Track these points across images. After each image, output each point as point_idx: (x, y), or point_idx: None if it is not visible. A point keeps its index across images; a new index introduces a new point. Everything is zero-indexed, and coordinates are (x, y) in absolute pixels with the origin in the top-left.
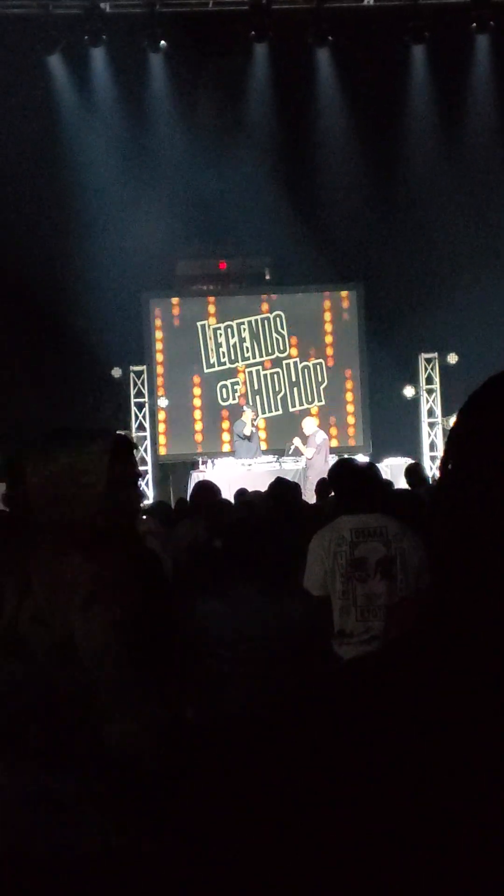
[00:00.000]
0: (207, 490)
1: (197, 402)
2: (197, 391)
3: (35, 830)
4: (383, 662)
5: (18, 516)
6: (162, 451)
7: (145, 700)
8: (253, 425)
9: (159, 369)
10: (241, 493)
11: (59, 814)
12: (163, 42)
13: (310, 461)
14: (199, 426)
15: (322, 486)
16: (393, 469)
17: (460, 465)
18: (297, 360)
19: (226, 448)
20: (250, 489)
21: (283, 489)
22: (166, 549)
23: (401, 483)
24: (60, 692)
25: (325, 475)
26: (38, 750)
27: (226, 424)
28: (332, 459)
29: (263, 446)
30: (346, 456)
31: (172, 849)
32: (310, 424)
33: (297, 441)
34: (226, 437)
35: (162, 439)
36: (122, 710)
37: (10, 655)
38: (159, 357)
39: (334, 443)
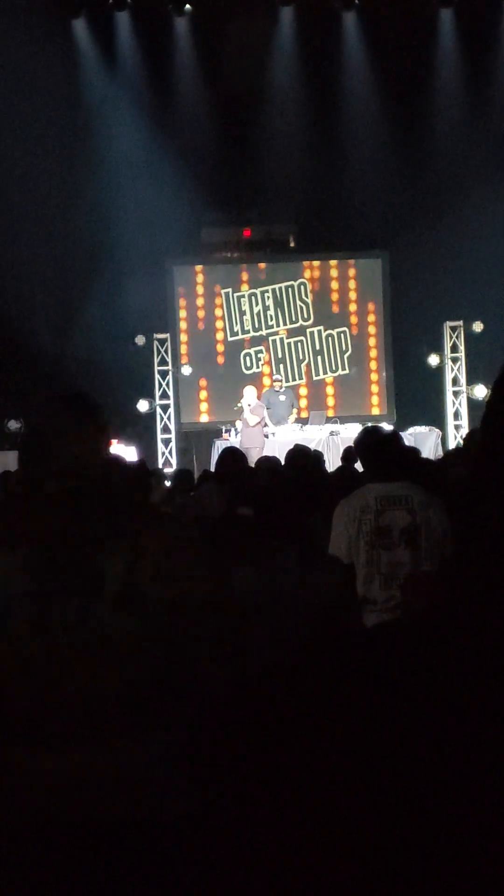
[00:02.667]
0: (234, 457)
1: (220, 370)
2: (220, 359)
3: (132, 797)
4: (405, 633)
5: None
6: (185, 419)
7: (234, 650)
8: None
9: (183, 337)
10: (266, 460)
11: (155, 779)
12: (187, 5)
13: (250, 429)
14: (222, 394)
15: (349, 454)
16: (417, 438)
17: (497, 438)
18: (322, 328)
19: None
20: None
21: (302, 457)
22: (185, 515)
23: (426, 452)
24: (177, 645)
25: (260, 447)
26: (143, 712)
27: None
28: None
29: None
30: (370, 425)
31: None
32: (251, 393)
33: (246, 408)
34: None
35: (185, 407)
36: (223, 658)
37: (131, 613)
38: (183, 325)
39: (358, 411)
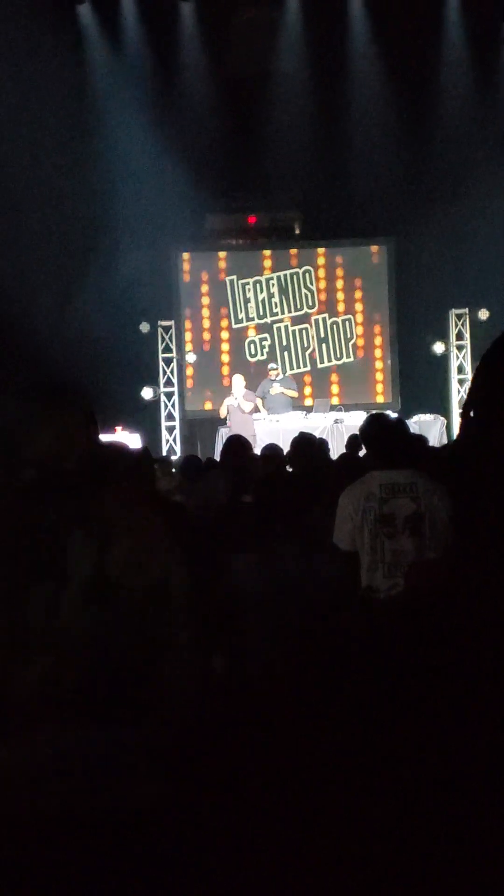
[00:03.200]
0: (238, 445)
1: (225, 357)
2: (225, 346)
3: (92, 787)
4: (406, 614)
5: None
6: (189, 406)
7: (203, 641)
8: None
9: (187, 324)
10: (270, 448)
11: (115, 769)
12: None
13: (244, 416)
14: (226, 382)
15: (353, 442)
16: (422, 425)
17: (482, 416)
18: (326, 315)
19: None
20: (278, 444)
21: (307, 445)
22: (192, 503)
23: (431, 440)
24: (145, 634)
25: (252, 436)
26: (106, 702)
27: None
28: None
29: (290, 396)
30: (375, 412)
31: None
32: (240, 382)
33: (239, 396)
34: (258, 392)
35: (189, 395)
36: (191, 648)
37: (100, 601)
38: (187, 312)
39: (363, 399)
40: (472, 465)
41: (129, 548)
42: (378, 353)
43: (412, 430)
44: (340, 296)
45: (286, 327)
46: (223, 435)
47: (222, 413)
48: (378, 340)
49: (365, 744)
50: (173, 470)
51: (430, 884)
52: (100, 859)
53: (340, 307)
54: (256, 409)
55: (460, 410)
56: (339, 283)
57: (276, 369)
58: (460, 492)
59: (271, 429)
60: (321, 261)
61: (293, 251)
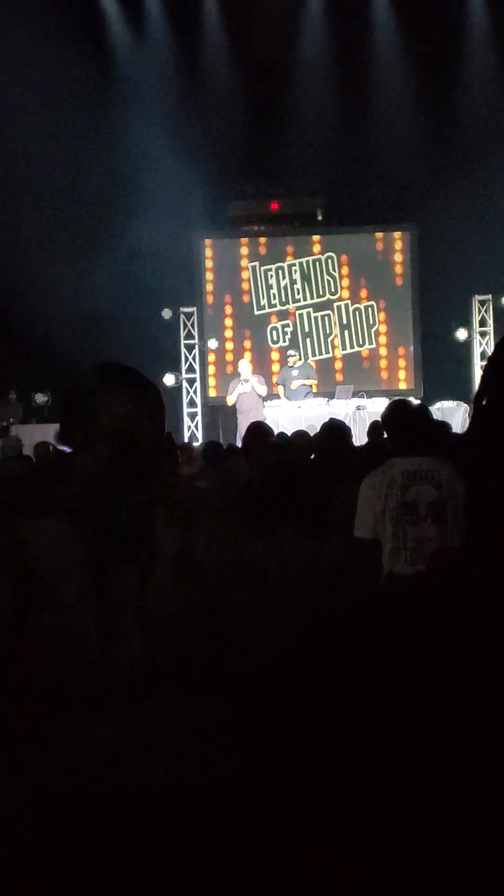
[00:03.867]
0: (260, 431)
1: (247, 343)
2: (247, 333)
3: (186, 762)
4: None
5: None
6: (211, 392)
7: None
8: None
9: (209, 311)
10: (299, 435)
11: (191, 746)
12: None
13: (256, 401)
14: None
15: (375, 428)
16: (444, 412)
17: (493, 403)
18: (349, 301)
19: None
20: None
21: (337, 430)
22: (216, 489)
23: (454, 426)
24: (228, 611)
25: (253, 417)
26: (193, 679)
27: (275, 367)
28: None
29: (314, 388)
30: (397, 398)
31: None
32: (247, 367)
33: (252, 380)
34: (275, 379)
35: (211, 381)
36: (258, 629)
37: (187, 580)
38: (209, 298)
39: (385, 386)
40: (482, 452)
41: (209, 527)
42: (401, 339)
43: (435, 417)
44: (363, 282)
45: (308, 314)
46: (240, 424)
47: (230, 401)
48: (401, 327)
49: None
50: (194, 455)
51: (431, 873)
52: (194, 832)
53: (363, 293)
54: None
55: (472, 398)
56: (362, 270)
57: (295, 356)
58: (469, 478)
59: (293, 415)
60: (344, 247)
61: (315, 237)
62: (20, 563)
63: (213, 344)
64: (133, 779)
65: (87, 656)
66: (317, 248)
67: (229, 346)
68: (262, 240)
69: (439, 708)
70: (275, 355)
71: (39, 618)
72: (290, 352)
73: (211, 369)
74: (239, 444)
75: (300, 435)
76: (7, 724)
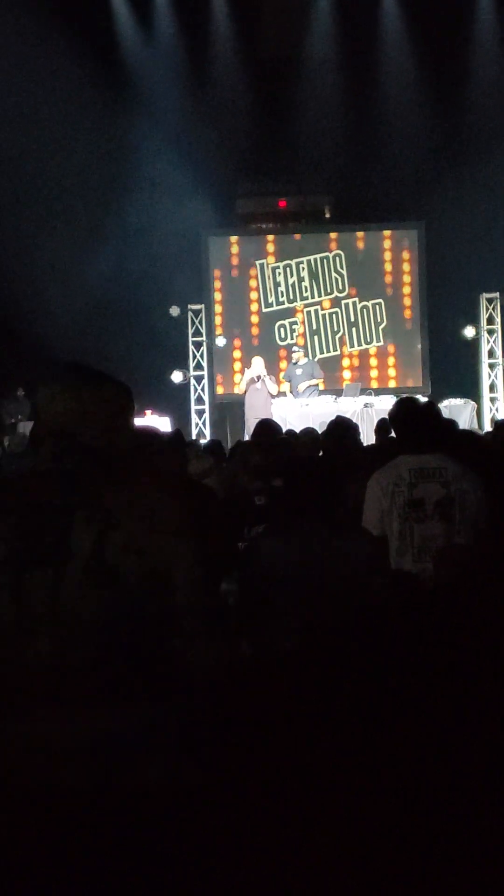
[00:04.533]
0: (269, 428)
1: (255, 341)
2: (255, 330)
3: (98, 766)
4: (437, 600)
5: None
6: (219, 389)
7: (218, 629)
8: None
9: (217, 308)
10: (307, 432)
11: (130, 753)
12: None
13: (266, 397)
14: None
15: (382, 426)
16: (452, 410)
17: None
18: (357, 299)
19: (283, 387)
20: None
21: (343, 428)
22: (221, 487)
23: (461, 424)
24: (148, 619)
25: (262, 414)
26: (114, 683)
27: (283, 364)
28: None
29: (321, 386)
30: (405, 396)
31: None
32: (260, 363)
33: (265, 377)
34: (281, 376)
35: (219, 378)
36: (204, 636)
37: (98, 585)
38: (217, 296)
39: (393, 383)
40: None
41: (129, 533)
42: (408, 337)
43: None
44: (371, 279)
45: (316, 311)
46: (248, 418)
47: (240, 389)
48: (408, 324)
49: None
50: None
51: (431, 869)
52: (106, 839)
53: (371, 291)
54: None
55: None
56: (370, 267)
57: (300, 353)
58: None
59: (301, 412)
60: (351, 245)
61: (323, 235)
62: None
63: (220, 342)
64: (49, 780)
65: (1, 656)
66: (325, 245)
67: (237, 343)
68: (271, 237)
69: (444, 706)
70: (283, 353)
71: None
72: (295, 348)
73: (219, 367)
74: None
75: (308, 432)
76: None
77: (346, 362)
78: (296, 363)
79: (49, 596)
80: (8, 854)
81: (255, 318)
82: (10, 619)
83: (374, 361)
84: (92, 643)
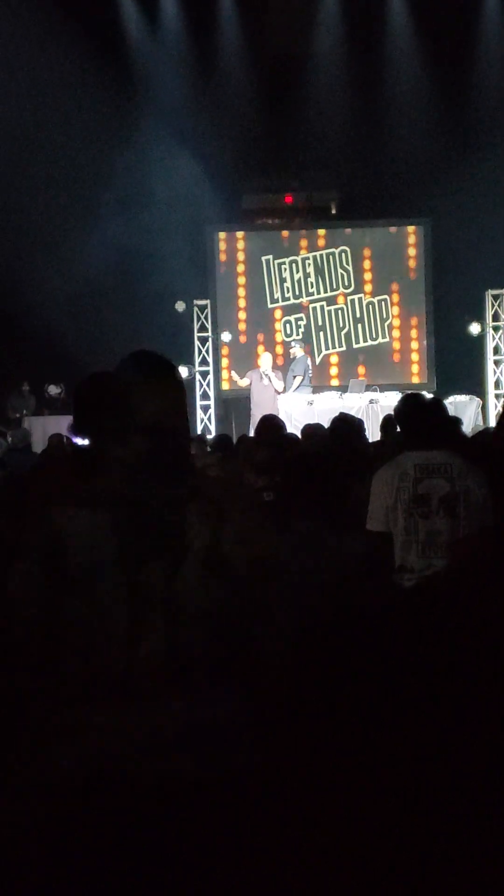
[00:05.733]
0: (272, 424)
1: (260, 336)
2: (260, 326)
3: (210, 758)
4: (441, 593)
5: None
6: (224, 385)
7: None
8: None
9: (223, 303)
10: (314, 428)
11: (230, 740)
12: None
13: (271, 393)
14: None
15: (388, 422)
16: (457, 406)
17: None
18: (362, 295)
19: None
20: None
21: (347, 425)
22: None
23: (466, 420)
24: (253, 609)
25: (267, 410)
26: (218, 672)
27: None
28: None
29: (325, 382)
30: (410, 392)
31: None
32: (268, 360)
33: (271, 374)
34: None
35: (224, 374)
36: (284, 624)
37: (215, 577)
38: (223, 291)
39: (398, 380)
40: None
41: (239, 524)
42: (413, 333)
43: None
44: (376, 276)
45: (322, 307)
46: (254, 415)
47: (244, 383)
48: (414, 321)
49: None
50: (208, 449)
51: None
52: (216, 824)
53: (376, 287)
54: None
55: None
56: (375, 264)
57: (293, 349)
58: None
59: (306, 409)
60: (357, 241)
61: (329, 231)
62: (56, 552)
63: (226, 337)
64: (157, 770)
65: (115, 648)
66: (330, 241)
67: (242, 339)
68: (276, 233)
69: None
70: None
71: (72, 608)
72: (292, 344)
73: (224, 362)
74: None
75: (316, 428)
76: (37, 714)
77: (351, 358)
78: (293, 357)
79: (165, 587)
80: (122, 843)
81: (260, 314)
82: (127, 610)
83: (379, 358)
84: (205, 633)
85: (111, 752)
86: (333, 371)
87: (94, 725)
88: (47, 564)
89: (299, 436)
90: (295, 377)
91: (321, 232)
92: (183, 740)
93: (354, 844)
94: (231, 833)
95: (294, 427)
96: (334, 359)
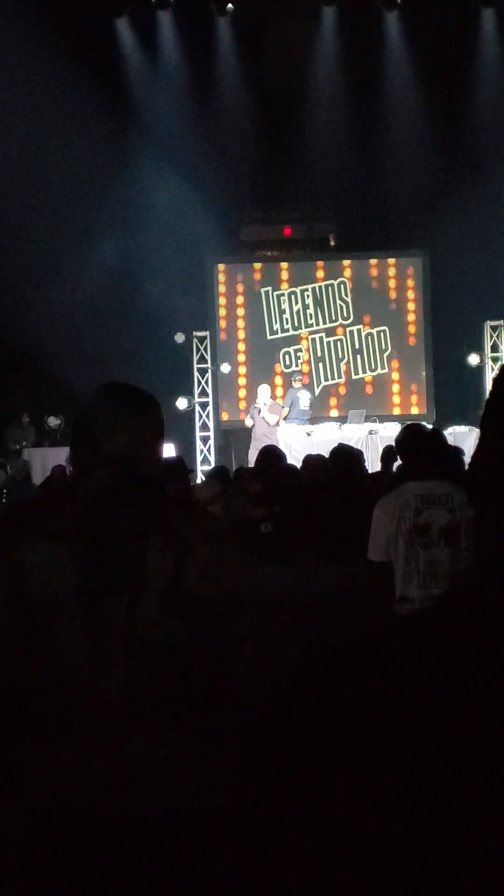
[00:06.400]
0: (273, 456)
1: (259, 368)
2: (259, 358)
3: (174, 791)
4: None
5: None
6: (224, 416)
7: (260, 657)
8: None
9: (222, 335)
10: (316, 459)
11: (197, 777)
12: (230, 5)
13: (268, 428)
14: None
15: (388, 453)
16: (457, 437)
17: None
18: (361, 327)
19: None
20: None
21: (345, 455)
22: (227, 514)
23: (466, 451)
24: (219, 645)
25: (265, 443)
26: (183, 709)
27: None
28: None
29: (325, 413)
30: (410, 423)
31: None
32: (266, 392)
33: (263, 408)
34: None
35: (224, 405)
36: (255, 661)
37: (175, 612)
38: (222, 323)
39: (397, 410)
40: (487, 476)
41: (204, 558)
42: (413, 364)
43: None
44: (375, 307)
45: (321, 338)
46: (254, 448)
47: (248, 423)
48: (413, 352)
49: (382, 762)
50: (201, 479)
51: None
52: (176, 864)
53: (375, 318)
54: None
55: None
56: (374, 295)
57: (300, 379)
58: (475, 503)
59: (306, 440)
60: (356, 272)
61: (328, 263)
62: (14, 585)
63: (225, 368)
64: (123, 806)
65: (74, 683)
66: (329, 273)
67: (242, 370)
68: (275, 265)
69: (448, 735)
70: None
71: (34, 642)
72: (295, 375)
73: (223, 394)
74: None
75: (317, 458)
76: (3, 751)
77: (350, 389)
78: (297, 388)
79: (125, 623)
80: (78, 880)
81: (259, 346)
82: (86, 646)
83: (378, 389)
84: (167, 670)
85: (74, 791)
86: (333, 402)
87: (58, 764)
88: (9, 598)
89: (298, 467)
90: (282, 408)
91: (320, 263)
92: (146, 777)
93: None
94: (196, 869)
95: (294, 458)
96: (334, 390)
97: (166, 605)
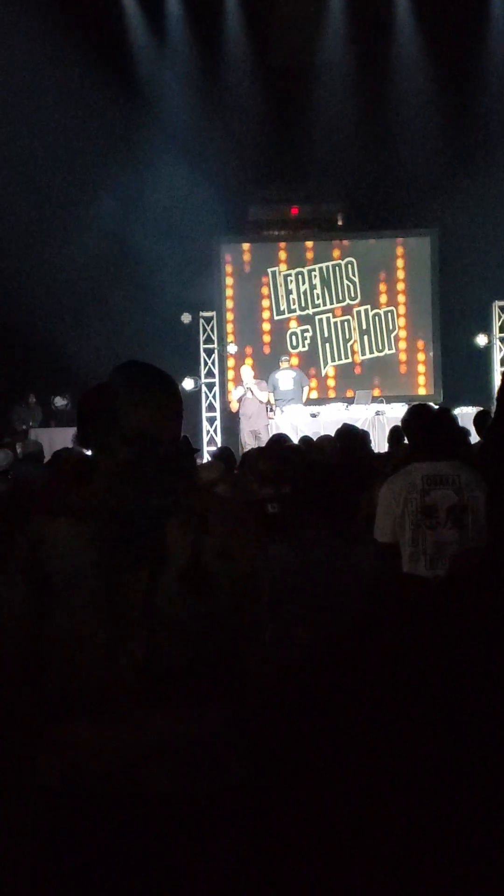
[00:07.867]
0: (281, 443)
1: (266, 349)
2: (266, 338)
3: (189, 766)
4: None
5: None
6: (230, 397)
7: (274, 640)
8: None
9: (229, 315)
10: (326, 439)
11: (213, 753)
12: None
13: (259, 406)
14: (268, 373)
15: (395, 434)
16: (464, 418)
17: None
18: (369, 307)
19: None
20: (316, 436)
21: (351, 436)
22: (233, 494)
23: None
24: (235, 623)
25: (266, 427)
26: (200, 685)
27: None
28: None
29: (332, 394)
30: (417, 403)
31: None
32: (248, 373)
33: (252, 386)
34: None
35: (230, 386)
36: (266, 641)
37: (194, 589)
38: (229, 303)
39: (405, 391)
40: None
41: (222, 538)
42: (420, 344)
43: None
44: (383, 287)
45: (328, 318)
46: (243, 429)
47: (234, 407)
48: (420, 332)
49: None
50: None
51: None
52: (194, 836)
53: (383, 299)
54: (268, 402)
55: (496, 395)
56: (382, 275)
57: (287, 360)
58: (490, 479)
59: (312, 421)
60: (363, 252)
61: (336, 242)
62: (36, 561)
63: (232, 349)
64: (140, 781)
65: (94, 659)
66: (337, 253)
67: (248, 350)
68: (282, 245)
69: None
70: (294, 360)
71: (52, 618)
72: (283, 357)
73: (230, 374)
74: (240, 447)
75: (327, 438)
76: (19, 727)
77: (357, 370)
78: (284, 369)
79: (144, 599)
80: (93, 855)
81: (266, 326)
82: (105, 622)
83: (386, 369)
84: (185, 646)
85: (93, 767)
86: (340, 382)
87: (76, 739)
88: (28, 574)
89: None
90: (300, 388)
91: (327, 244)
92: (163, 753)
93: (347, 867)
94: (213, 847)
95: (263, 440)
96: (340, 370)
97: (185, 582)
